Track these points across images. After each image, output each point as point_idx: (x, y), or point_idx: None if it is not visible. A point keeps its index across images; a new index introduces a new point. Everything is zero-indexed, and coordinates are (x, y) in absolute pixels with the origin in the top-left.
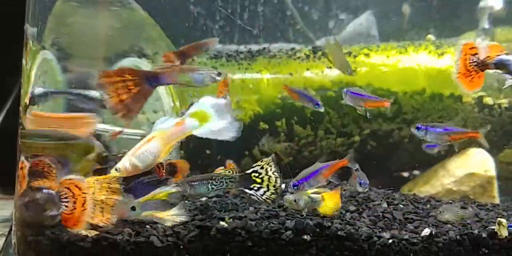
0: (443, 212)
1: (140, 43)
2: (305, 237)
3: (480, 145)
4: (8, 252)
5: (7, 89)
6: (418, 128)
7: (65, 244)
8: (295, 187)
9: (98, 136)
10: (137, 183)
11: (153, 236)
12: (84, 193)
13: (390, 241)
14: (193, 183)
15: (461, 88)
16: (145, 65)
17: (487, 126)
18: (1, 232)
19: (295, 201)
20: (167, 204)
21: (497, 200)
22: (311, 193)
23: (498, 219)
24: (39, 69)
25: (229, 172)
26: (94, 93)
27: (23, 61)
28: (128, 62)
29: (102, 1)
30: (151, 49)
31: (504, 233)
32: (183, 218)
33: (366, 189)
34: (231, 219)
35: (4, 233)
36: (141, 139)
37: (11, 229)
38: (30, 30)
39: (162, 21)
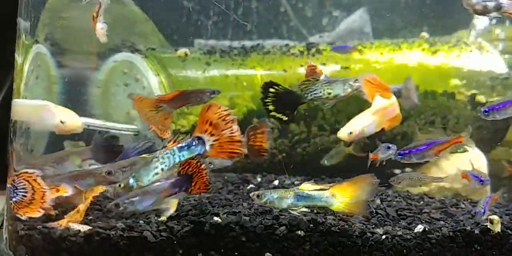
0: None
1: (132, 38)
2: (299, 232)
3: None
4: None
5: None
6: (401, 155)
7: (57, 239)
8: None
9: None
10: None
11: (147, 231)
12: (43, 188)
13: (384, 237)
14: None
15: None
16: (137, 60)
17: (469, 128)
18: None
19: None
20: None
21: None
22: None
23: (489, 216)
24: (32, 64)
25: None
26: None
27: (16, 55)
28: (121, 57)
29: None
30: (144, 44)
31: (496, 229)
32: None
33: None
34: (225, 215)
35: None
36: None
37: (2, 224)
38: (23, 24)
39: (154, 16)
